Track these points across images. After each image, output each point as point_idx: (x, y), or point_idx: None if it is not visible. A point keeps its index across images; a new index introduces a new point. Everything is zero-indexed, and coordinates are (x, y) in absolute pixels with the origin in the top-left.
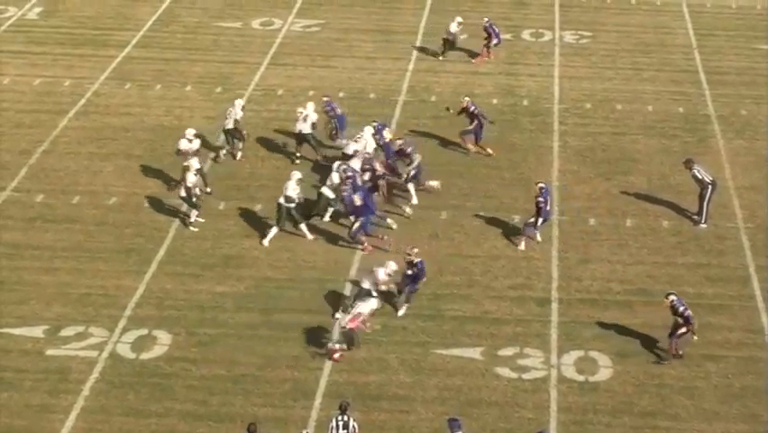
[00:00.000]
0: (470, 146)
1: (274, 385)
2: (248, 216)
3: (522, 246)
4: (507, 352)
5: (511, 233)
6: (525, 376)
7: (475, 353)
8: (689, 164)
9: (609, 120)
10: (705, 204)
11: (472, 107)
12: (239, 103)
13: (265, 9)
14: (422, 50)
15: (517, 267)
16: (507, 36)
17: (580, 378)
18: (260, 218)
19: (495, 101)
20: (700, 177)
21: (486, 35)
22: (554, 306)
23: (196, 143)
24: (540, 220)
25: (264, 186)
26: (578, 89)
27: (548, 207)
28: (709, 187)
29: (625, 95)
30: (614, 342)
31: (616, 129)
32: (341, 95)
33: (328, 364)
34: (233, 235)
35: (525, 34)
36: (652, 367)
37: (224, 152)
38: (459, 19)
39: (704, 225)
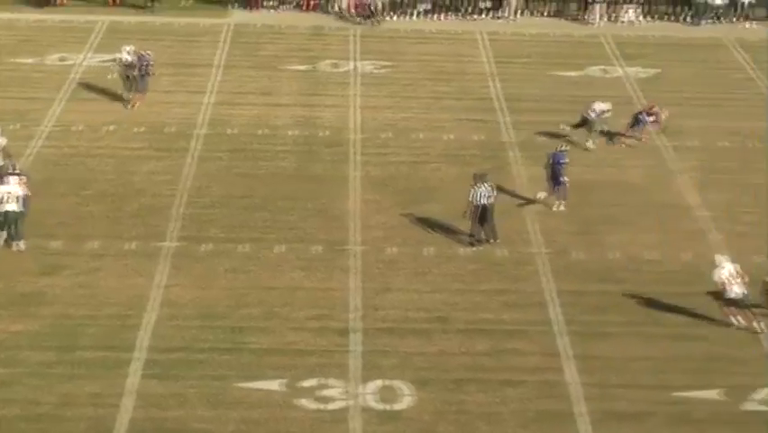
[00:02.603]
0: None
1: (73, 423)
2: (45, 253)
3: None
4: (309, 383)
5: (311, 263)
6: (327, 407)
7: (276, 385)
8: (476, 179)
9: (411, 149)
10: (475, 223)
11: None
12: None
13: (59, 45)
14: (222, 82)
15: (318, 298)
16: (304, 67)
17: (382, 407)
18: (58, 255)
19: (295, 132)
20: (473, 198)
21: None
22: (355, 336)
23: None
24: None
25: (62, 223)
26: (379, 119)
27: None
28: (477, 209)
29: (425, 123)
30: (414, 370)
31: (417, 158)
32: (142, 129)
33: (128, 401)
34: (30, 273)
35: (324, 65)
36: (451, 394)
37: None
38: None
39: (498, 241)
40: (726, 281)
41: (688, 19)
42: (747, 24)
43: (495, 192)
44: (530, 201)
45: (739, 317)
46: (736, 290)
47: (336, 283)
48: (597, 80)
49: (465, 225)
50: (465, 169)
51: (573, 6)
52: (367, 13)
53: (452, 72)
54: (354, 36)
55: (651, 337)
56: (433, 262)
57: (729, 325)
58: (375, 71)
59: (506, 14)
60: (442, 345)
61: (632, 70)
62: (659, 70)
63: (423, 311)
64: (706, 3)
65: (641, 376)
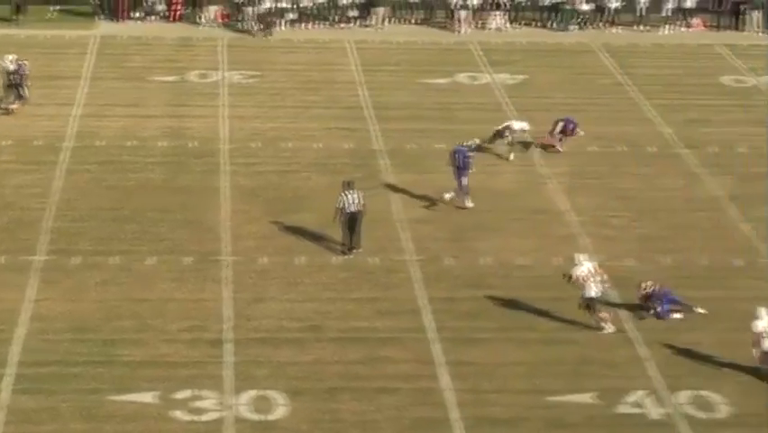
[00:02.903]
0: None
1: None
2: None
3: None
4: (183, 394)
5: (183, 275)
6: (201, 418)
7: (150, 397)
8: (344, 186)
9: (280, 158)
10: (345, 231)
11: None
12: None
13: None
14: (89, 94)
15: (190, 309)
16: (172, 78)
17: (256, 417)
18: None
19: (164, 143)
20: (341, 205)
21: None
22: (228, 346)
23: None
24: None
25: None
26: (247, 129)
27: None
28: (346, 215)
29: (294, 133)
30: (288, 380)
31: (286, 167)
32: (9, 142)
33: (1, 417)
34: None
35: (192, 75)
36: (326, 403)
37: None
38: (525, 125)
39: (360, 250)
40: (583, 280)
41: (555, 25)
42: (614, 30)
43: (363, 200)
44: (435, 203)
45: (610, 323)
46: (593, 288)
47: (209, 294)
48: (465, 87)
49: (336, 234)
50: (335, 177)
51: (441, 14)
52: (264, 25)
53: (320, 81)
54: (222, 46)
55: (523, 342)
56: (304, 271)
57: (601, 329)
58: (243, 81)
59: (373, 23)
60: (315, 354)
61: (500, 77)
62: (526, 77)
63: (296, 321)
64: (572, 8)
65: (514, 381)
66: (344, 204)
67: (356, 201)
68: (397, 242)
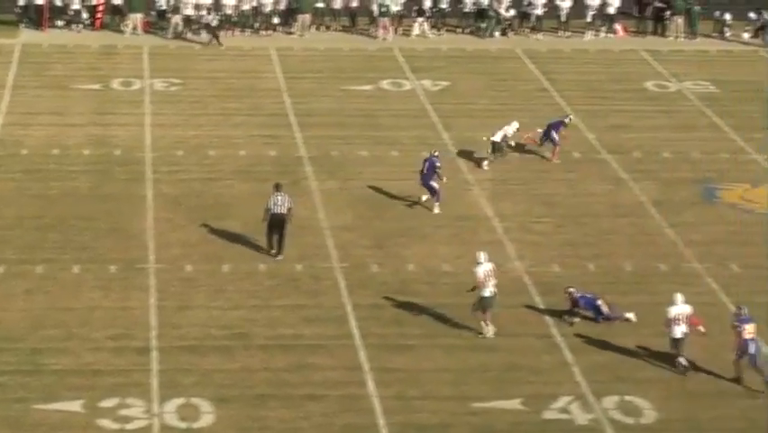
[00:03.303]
0: None
1: None
2: None
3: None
4: (109, 403)
5: (110, 283)
6: (127, 426)
7: (77, 405)
8: (274, 188)
9: (202, 166)
10: (267, 236)
11: None
12: None
13: None
14: (12, 103)
15: (116, 317)
16: (96, 86)
17: (183, 425)
18: None
19: (87, 152)
20: (269, 206)
21: None
22: (154, 354)
23: None
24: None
25: None
26: (169, 137)
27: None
28: (270, 216)
29: (216, 140)
30: (215, 387)
31: (209, 175)
32: None
33: None
34: None
35: (115, 83)
36: (253, 410)
37: None
38: (516, 125)
39: (281, 257)
40: (485, 278)
41: (480, 32)
42: (539, 36)
43: (290, 204)
44: (415, 203)
45: (489, 326)
46: (489, 289)
47: (135, 302)
48: (390, 93)
49: (262, 242)
50: (259, 185)
51: (363, 21)
52: (212, 34)
53: (243, 88)
54: (145, 54)
55: (449, 349)
56: (230, 278)
57: (481, 332)
58: (166, 89)
59: (296, 30)
60: (242, 362)
61: (423, 83)
62: (449, 83)
63: (222, 328)
64: (496, 15)
65: (440, 388)
66: (270, 205)
67: (282, 204)
68: (323, 249)
